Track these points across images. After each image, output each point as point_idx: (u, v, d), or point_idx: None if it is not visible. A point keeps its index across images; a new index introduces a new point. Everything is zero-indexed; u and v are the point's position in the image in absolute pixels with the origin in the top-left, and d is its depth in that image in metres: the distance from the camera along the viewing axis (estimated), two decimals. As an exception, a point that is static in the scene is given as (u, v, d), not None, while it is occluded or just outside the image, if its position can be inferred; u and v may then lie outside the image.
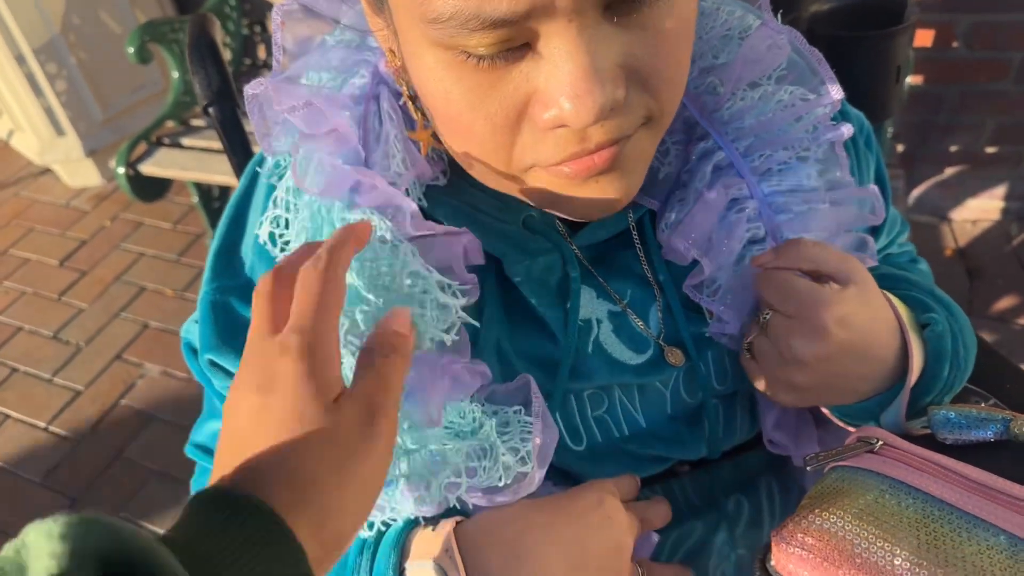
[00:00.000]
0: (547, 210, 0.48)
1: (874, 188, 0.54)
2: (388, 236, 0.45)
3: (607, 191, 0.44)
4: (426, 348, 0.44)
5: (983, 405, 0.64)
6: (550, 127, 0.40)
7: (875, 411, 0.52)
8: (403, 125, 0.49)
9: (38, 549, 0.25)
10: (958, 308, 0.57)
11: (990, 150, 1.93)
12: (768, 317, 0.50)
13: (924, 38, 1.77)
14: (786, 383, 0.50)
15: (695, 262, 0.53)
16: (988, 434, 0.48)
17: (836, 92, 0.54)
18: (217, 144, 1.74)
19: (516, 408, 0.47)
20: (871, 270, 0.57)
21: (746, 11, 0.55)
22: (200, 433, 0.58)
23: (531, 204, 0.48)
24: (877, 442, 0.46)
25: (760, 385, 0.52)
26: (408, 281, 0.44)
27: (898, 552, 0.40)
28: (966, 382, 0.67)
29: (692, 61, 0.54)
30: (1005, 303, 1.81)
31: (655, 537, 0.52)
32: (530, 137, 0.41)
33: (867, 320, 0.49)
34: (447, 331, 0.44)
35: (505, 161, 0.43)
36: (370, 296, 0.43)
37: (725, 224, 0.53)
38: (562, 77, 0.37)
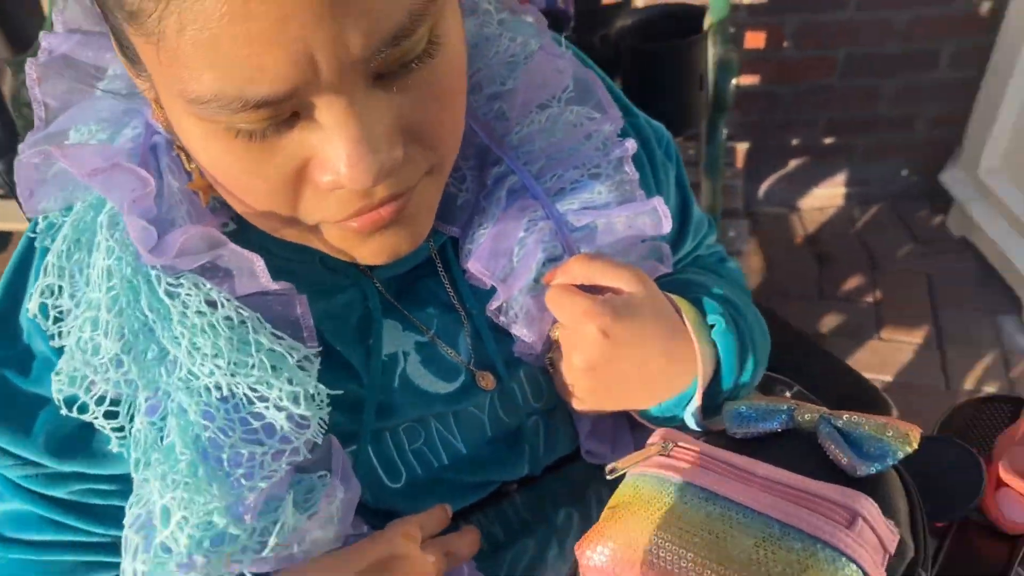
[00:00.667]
0: (343, 259, 0.47)
1: (658, 201, 0.56)
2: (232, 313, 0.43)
3: (396, 241, 0.45)
4: None
5: (787, 395, 0.68)
6: (330, 189, 0.40)
7: (678, 411, 0.54)
8: (183, 176, 0.47)
9: None
10: (749, 306, 0.60)
11: (826, 142, 2.06)
12: (557, 331, 0.52)
13: (756, 40, 1.87)
14: (574, 392, 0.52)
15: None
16: (775, 425, 0.50)
17: (614, 111, 0.56)
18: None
19: (321, 473, 0.46)
20: (666, 276, 0.60)
21: (528, 36, 0.56)
22: None
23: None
24: (669, 445, 0.48)
25: (561, 393, 0.54)
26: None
27: (684, 553, 0.42)
28: (778, 373, 0.71)
29: (480, 88, 0.55)
30: (852, 283, 1.93)
31: (465, 570, 0.52)
32: (313, 197, 0.41)
33: (646, 326, 0.50)
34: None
35: (290, 218, 0.42)
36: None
37: (523, 246, 0.53)
38: (337, 145, 0.37)
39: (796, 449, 0.49)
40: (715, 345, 0.54)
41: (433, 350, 0.54)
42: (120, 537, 0.43)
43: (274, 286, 0.45)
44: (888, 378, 1.72)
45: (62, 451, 0.46)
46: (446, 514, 0.51)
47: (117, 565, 0.45)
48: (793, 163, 2.11)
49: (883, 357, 1.76)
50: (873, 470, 0.44)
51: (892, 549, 0.41)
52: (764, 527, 0.42)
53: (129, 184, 0.44)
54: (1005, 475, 0.50)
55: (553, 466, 0.61)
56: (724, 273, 0.71)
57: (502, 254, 0.53)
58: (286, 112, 0.36)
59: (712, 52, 1.38)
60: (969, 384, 1.68)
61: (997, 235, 1.78)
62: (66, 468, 0.46)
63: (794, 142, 2.07)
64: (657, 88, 0.77)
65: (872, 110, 1.98)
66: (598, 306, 0.50)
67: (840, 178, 2.12)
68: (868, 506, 0.40)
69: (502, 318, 0.54)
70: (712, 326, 0.54)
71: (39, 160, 0.45)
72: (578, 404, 0.54)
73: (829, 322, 1.84)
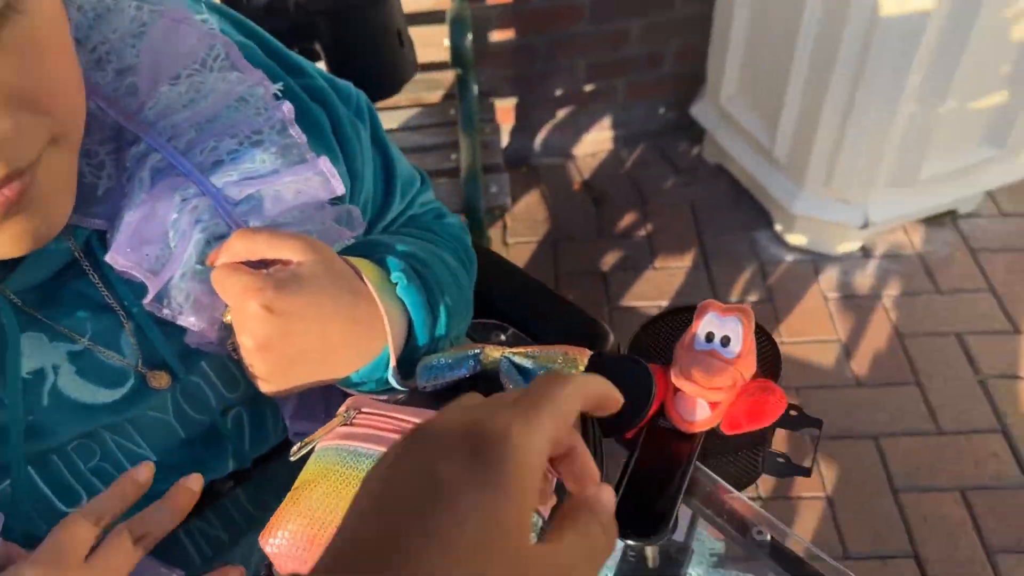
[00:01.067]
0: None
1: (323, 161, 0.54)
2: None
3: (32, 226, 0.41)
4: None
5: (502, 338, 0.68)
6: None
7: (378, 376, 0.53)
8: None
9: None
10: (442, 259, 0.60)
11: (588, 88, 2.14)
12: (228, 315, 0.49)
13: (503, -5, 1.89)
14: (256, 375, 0.49)
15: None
16: (463, 371, 0.51)
17: (255, 74, 0.53)
18: None
19: None
20: (357, 240, 0.58)
21: (154, 5, 0.51)
22: None
23: None
24: (351, 413, 0.47)
25: (253, 380, 0.51)
26: None
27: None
28: (507, 317, 0.71)
29: (105, 63, 0.50)
30: (626, 221, 2.03)
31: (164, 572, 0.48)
32: None
33: (320, 294, 0.48)
34: None
35: None
36: None
37: (177, 228, 0.49)
38: None
39: (482, 392, 0.49)
40: (403, 304, 0.53)
41: (91, 358, 0.49)
42: None
43: None
44: (664, 303, 1.83)
45: None
46: (91, 532, 0.45)
47: None
48: (561, 113, 2.17)
49: (658, 285, 1.87)
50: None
51: (555, 475, 0.43)
52: None
53: None
54: (675, 380, 0.54)
55: (272, 454, 0.58)
56: (440, 229, 0.70)
57: (152, 241, 0.49)
58: None
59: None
60: (735, 295, 1.82)
61: (743, 158, 1.93)
62: None
63: (558, 92, 2.12)
64: (354, 50, 0.74)
65: (623, 51, 2.07)
66: (257, 281, 0.47)
67: (606, 122, 2.21)
68: None
69: (165, 311, 0.50)
70: (394, 282, 0.53)
71: None
72: (265, 387, 0.51)
73: (609, 259, 1.93)
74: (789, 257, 1.89)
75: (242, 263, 0.48)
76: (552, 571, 0.25)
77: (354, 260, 0.53)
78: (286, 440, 0.59)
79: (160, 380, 0.51)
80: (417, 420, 0.45)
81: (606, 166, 2.20)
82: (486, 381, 0.50)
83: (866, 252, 1.88)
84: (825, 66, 1.57)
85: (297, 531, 0.42)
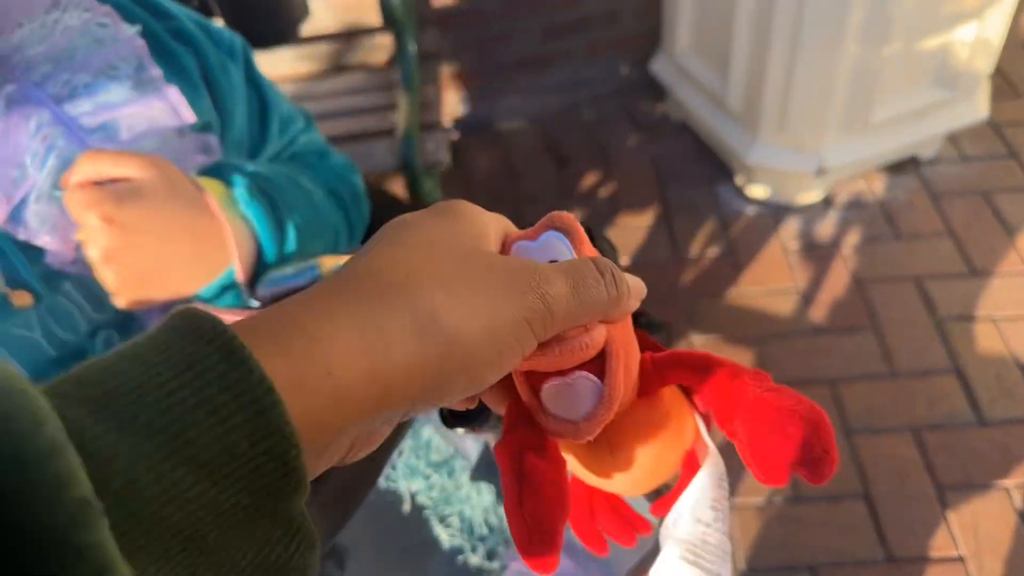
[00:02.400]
0: None
1: (172, 90, 0.55)
2: None
3: None
4: None
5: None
6: None
7: (233, 292, 0.55)
8: None
9: None
10: (299, 183, 0.61)
11: (546, 49, 2.13)
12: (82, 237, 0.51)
13: (453, -43, 1.88)
14: (107, 288, 0.53)
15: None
16: (303, 280, 0.52)
17: (102, 8, 0.54)
18: None
19: None
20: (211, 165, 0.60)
21: None
22: None
23: None
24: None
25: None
26: None
27: None
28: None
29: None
30: (589, 181, 2.04)
31: None
32: None
33: (159, 208, 0.51)
34: None
35: None
36: None
37: (33, 153, 0.52)
38: None
39: None
40: (248, 220, 0.55)
41: None
42: None
43: None
44: (625, 261, 1.84)
45: None
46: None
47: None
48: (520, 76, 2.16)
49: (621, 243, 1.87)
50: None
51: None
52: None
53: None
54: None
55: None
56: (317, 164, 0.72)
57: (9, 165, 0.51)
58: None
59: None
60: (695, 250, 1.82)
61: (701, 112, 1.93)
62: None
63: (515, 54, 2.12)
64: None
65: (579, 9, 2.06)
66: (97, 195, 0.50)
67: (567, 83, 2.20)
68: None
69: (21, 233, 0.52)
70: (237, 199, 0.55)
71: None
72: (118, 300, 0.54)
73: (570, 219, 1.93)
74: (750, 210, 1.89)
75: (91, 183, 0.51)
76: (511, 272, 0.25)
77: (200, 179, 0.55)
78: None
79: (22, 299, 0.53)
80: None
81: (569, 127, 2.20)
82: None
83: (827, 203, 1.87)
84: (768, 9, 1.56)
85: None
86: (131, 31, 0.56)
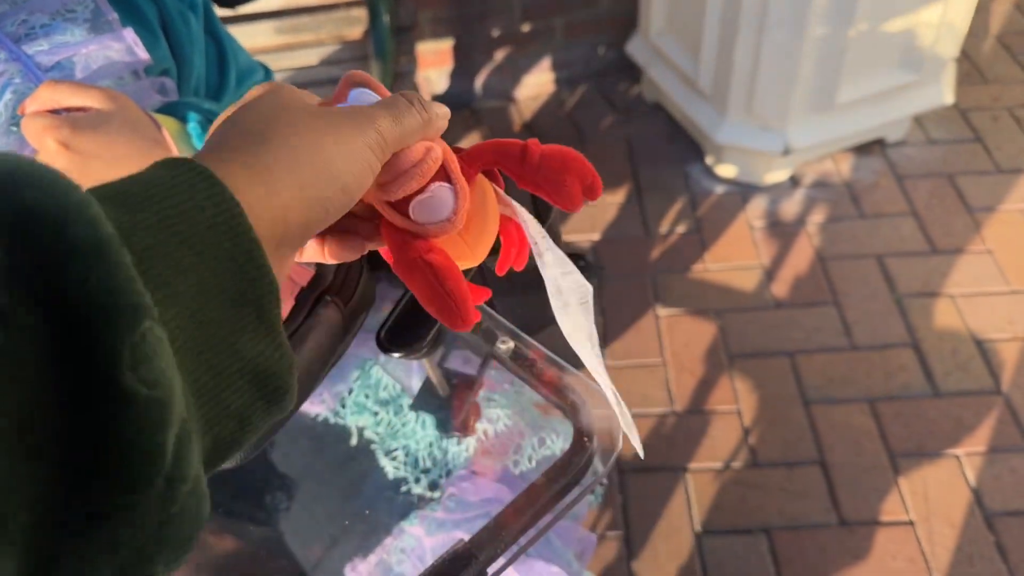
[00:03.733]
0: None
1: (128, 31, 0.59)
2: None
3: None
4: None
5: None
6: None
7: None
8: None
9: None
10: None
11: (525, 28, 2.16)
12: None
13: (431, -65, 1.90)
14: None
15: None
16: None
17: None
18: None
19: None
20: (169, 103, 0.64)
21: None
22: None
23: None
24: None
25: None
26: None
27: None
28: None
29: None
30: (563, 159, 2.07)
31: None
32: None
33: (114, 136, 0.54)
34: None
35: None
36: None
37: None
38: None
39: None
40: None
41: None
42: None
43: None
44: (597, 236, 1.87)
45: None
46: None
47: None
48: (499, 54, 2.19)
49: (593, 219, 1.91)
50: None
51: (303, 281, 0.50)
52: None
53: None
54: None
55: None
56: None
57: None
58: None
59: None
60: (664, 227, 1.86)
61: (674, 92, 1.96)
62: None
63: (495, 33, 2.14)
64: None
65: (556, -9, 2.09)
66: (55, 121, 0.52)
67: (546, 63, 2.23)
68: None
69: None
70: (190, 134, 0.58)
71: None
72: None
73: (544, 196, 1.96)
74: (719, 189, 1.93)
75: (48, 111, 0.53)
76: (349, 116, 0.32)
77: (156, 115, 0.58)
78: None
79: None
80: None
81: (547, 108, 2.23)
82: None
83: (794, 182, 1.92)
84: (738, -8, 1.60)
85: None
86: None
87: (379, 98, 0.36)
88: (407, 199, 0.36)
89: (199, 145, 0.58)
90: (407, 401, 0.71)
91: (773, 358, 1.60)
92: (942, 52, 1.77)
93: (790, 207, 1.87)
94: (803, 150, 1.80)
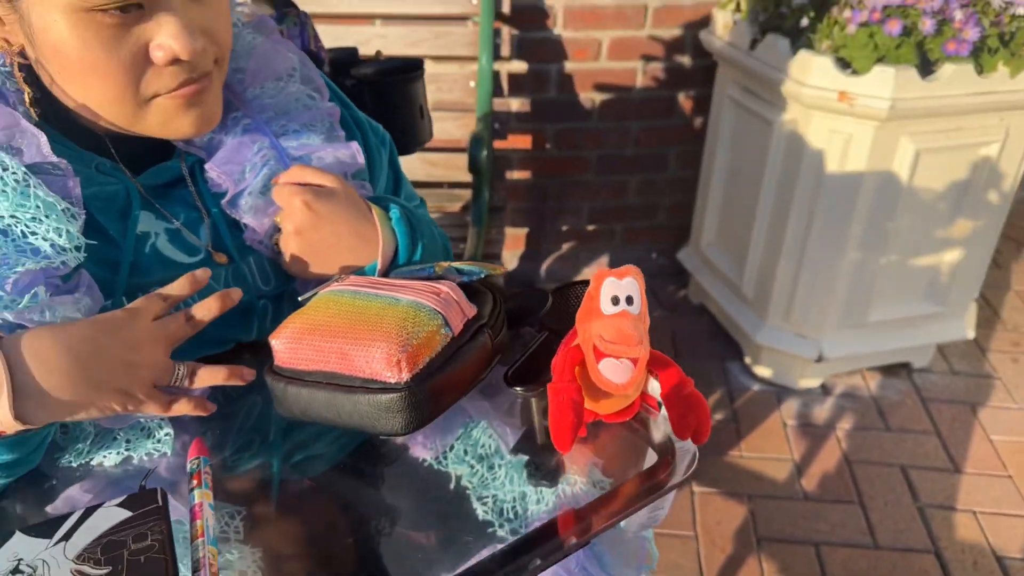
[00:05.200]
0: (163, 135, 0.70)
1: (355, 144, 0.82)
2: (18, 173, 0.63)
3: (205, 113, 0.70)
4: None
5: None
6: (165, 63, 0.64)
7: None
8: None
9: None
10: (431, 223, 0.86)
11: (590, 228, 2.46)
12: (279, 216, 0.75)
13: (524, 142, 2.26)
14: (288, 254, 0.75)
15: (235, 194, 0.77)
16: (424, 274, 0.73)
17: (326, 91, 0.83)
18: None
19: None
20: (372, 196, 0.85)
21: (262, 32, 0.82)
22: None
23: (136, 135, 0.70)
24: (342, 276, 0.70)
25: (283, 264, 0.76)
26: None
27: (338, 313, 0.63)
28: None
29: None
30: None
31: (196, 392, 0.68)
32: (153, 73, 0.65)
33: (340, 208, 0.74)
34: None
35: (133, 94, 0.65)
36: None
37: (252, 163, 0.77)
38: (171, 30, 0.63)
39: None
40: (394, 234, 0.79)
41: (178, 235, 0.74)
42: None
43: (53, 158, 0.65)
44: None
45: None
46: (195, 282, 0.68)
47: None
48: (565, 246, 2.48)
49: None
50: (466, 279, 0.69)
51: (470, 314, 0.66)
52: (391, 300, 0.64)
53: None
54: (601, 344, 0.60)
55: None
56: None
57: (235, 163, 0.76)
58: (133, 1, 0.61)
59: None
60: (702, 414, 2.00)
61: (719, 297, 2.19)
62: None
63: (564, 227, 2.45)
64: (387, 113, 1.04)
65: (623, 200, 2.41)
66: (304, 188, 0.74)
67: (604, 260, 2.51)
68: (451, 288, 0.66)
69: (236, 212, 0.75)
70: (391, 218, 0.79)
71: None
72: (293, 265, 0.75)
73: (593, 372, 2.14)
74: (755, 387, 2.09)
75: (296, 183, 0.75)
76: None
77: (366, 199, 0.79)
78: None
79: (220, 258, 0.75)
80: (375, 280, 0.68)
81: (601, 298, 2.46)
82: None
83: (825, 390, 2.07)
84: (782, 217, 1.87)
85: (296, 327, 0.64)
86: (330, 105, 0.83)
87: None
88: (603, 355, 0.57)
89: (396, 227, 0.78)
90: (499, 460, 0.85)
91: (799, 546, 1.67)
92: (964, 291, 1.98)
93: (821, 411, 2.01)
94: (835, 360, 1.97)
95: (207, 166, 0.75)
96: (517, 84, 2.18)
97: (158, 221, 0.74)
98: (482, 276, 0.71)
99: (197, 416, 0.67)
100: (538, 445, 0.83)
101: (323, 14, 1.89)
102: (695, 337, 2.27)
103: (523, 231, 2.42)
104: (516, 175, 2.32)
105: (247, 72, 0.79)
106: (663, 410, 0.65)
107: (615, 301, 0.59)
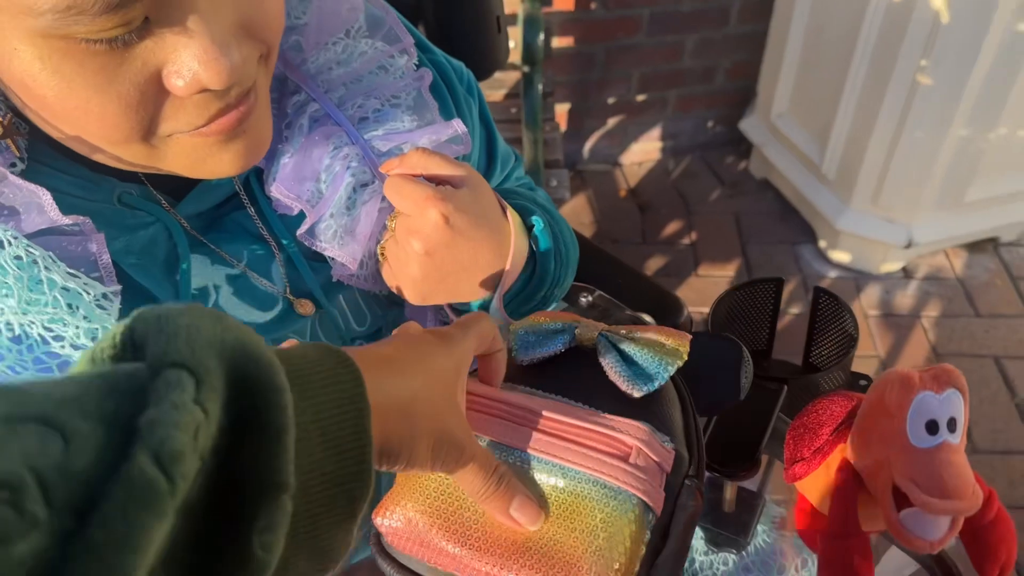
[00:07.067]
0: (195, 176, 0.47)
1: (457, 122, 0.59)
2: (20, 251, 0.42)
3: (250, 143, 0.47)
4: None
5: (589, 299, 0.72)
6: (189, 94, 0.41)
7: (486, 306, 0.58)
8: None
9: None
10: (559, 215, 0.65)
11: (640, 98, 2.19)
12: (394, 220, 0.54)
13: (567, 3, 1.95)
14: (408, 277, 0.54)
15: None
16: (559, 346, 0.47)
17: (408, 38, 0.59)
18: None
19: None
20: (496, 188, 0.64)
21: None
22: None
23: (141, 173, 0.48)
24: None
25: (392, 285, 0.56)
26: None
27: (479, 508, 0.41)
28: (577, 281, 0.77)
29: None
30: (670, 229, 2.08)
31: None
32: (170, 107, 0.42)
33: (481, 220, 0.53)
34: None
35: (141, 137, 0.42)
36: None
37: (330, 171, 0.55)
38: (195, 50, 0.39)
39: (578, 371, 0.47)
40: (528, 251, 0.58)
41: (245, 282, 0.55)
42: None
43: (64, 220, 0.44)
44: (706, 310, 1.87)
45: None
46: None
47: None
48: (612, 121, 2.22)
49: (700, 292, 1.91)
50: (648, 390, 0.44)
51: (669, 468, 0.42)
52: (555, 474, 0.41)
53: None
54: (916, 498, 0.43)
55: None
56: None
57: (308, 178, 0.54)
58: (139, 17, 0.37)
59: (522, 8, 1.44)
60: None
61: (791, 174, 1.97)
62: None
63: (610, 100, 2.18)
64: (457, 32, 0.80)
65: (677, 64, 2.13)
66: (442, 192, 0.51)
67: (655, 133, 2.26)
68: (643, 434, 0.41)
69: (316, 243, 0.55)
70: (531, 226, 0.58)
71: None
72: (413, 291, 0.55)
73: (653, 264, 1.97)
74: (832, 273, 1.92)
75: (414, 176, 0.53)
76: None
77: (500, 199, 0.57)
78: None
79: (305, 307, 0.56)
80: (518, 402, 0.44)
81: (652, 175, 2.25)
82: (578, 357, 0.47)
83: (907, 273, 1.91)
84: (879, 85, 1.61)
85: (413, 515, 0.42)
86: (413, 68, 0.60)
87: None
88: (907, 503, 0.40)
89: (543, 243, 0.58)
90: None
91: (892, 453, 1.58)
92: (1070, 159, 1.77)
93: (904, 299, 1.86)
94: (924, 244, 1.80)
95: (272, 189, 0.54)
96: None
97: (215, 268, 0.54)
98: (669, 376, 0.45)
99: None
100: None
101: None
102: (760, 218, 2.08)
103: (564, 107, 2.16)
104: (558, 43, 2.03)
105: (307, 31, 0.56)
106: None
107: (932, 429, 0.43)
